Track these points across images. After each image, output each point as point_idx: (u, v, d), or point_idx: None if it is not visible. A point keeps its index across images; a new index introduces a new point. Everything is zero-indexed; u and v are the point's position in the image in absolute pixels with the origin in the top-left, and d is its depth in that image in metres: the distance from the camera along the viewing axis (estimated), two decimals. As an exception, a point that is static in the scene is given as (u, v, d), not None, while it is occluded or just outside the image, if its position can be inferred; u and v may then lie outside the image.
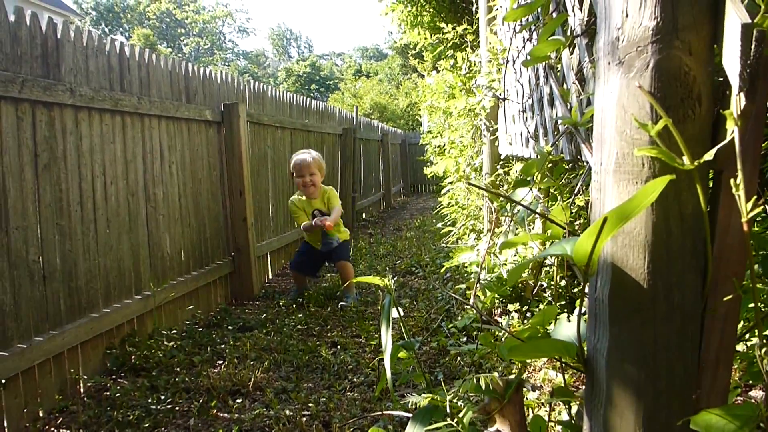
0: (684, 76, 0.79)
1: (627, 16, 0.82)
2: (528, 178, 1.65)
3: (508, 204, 1.63)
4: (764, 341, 0.77)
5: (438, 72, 5.84)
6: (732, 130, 0.73)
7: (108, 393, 2.97)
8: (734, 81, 0.72)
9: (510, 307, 3.41)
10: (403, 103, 22.80)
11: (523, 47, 2.62)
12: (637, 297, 0.85)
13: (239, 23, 70.79)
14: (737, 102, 0.73)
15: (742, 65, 0.70)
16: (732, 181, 0.71)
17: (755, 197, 0.74)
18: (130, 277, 3.65)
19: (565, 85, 1.99)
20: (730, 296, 0.82)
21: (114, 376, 3.23)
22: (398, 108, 22.78)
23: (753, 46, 0.69)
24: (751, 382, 2.14)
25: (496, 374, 1.19)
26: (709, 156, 0.75)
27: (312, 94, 47.02)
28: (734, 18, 0.71)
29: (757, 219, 1.76)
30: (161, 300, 3.87)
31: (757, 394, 2.28)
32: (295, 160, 4.83)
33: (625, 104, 0.83)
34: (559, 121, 1.78)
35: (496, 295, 3.42)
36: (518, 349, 0.98)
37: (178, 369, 3.29)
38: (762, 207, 0.68)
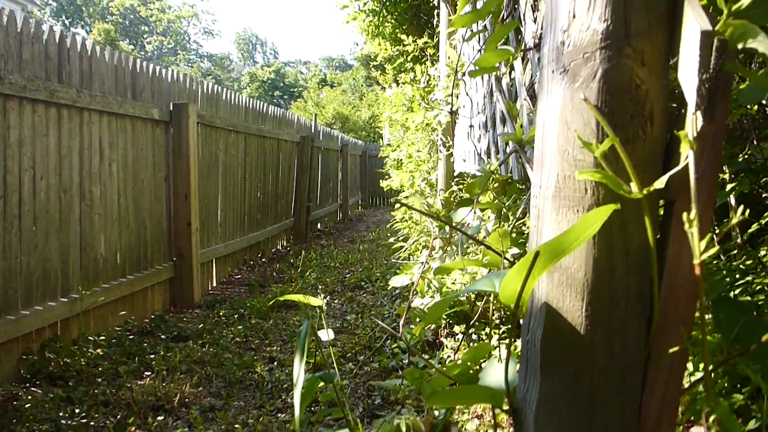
0: (635, 89, 0.68)
1: (574, 16, 0.70)
2: (473, 198, 1.54)
3: (447, 226, 1.52)
4: (712, 401, 0.67)
5: (398, 84, 5.75)
6: (686, 155, 0.62)
7: (16, 403, 2.72)
8: (691, 97, 0.61)
9: (456, 328, 3.30)
10: (366, 115, 22.73)
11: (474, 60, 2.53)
12: (572, 344, 0.73)
13: (205, 24, 69.82)
14: (693, 122, 0.62)
15: (701, 79, 0.59)
16: (685, 215, 0.60)
17: (710, 235, 0.63)
18: (57, 278, 3.41)
19: (518, 102, 1.90)
20: (676, 348, 0.71)
21: (27, 385, 2.99)
22: (360, 119, 22.69)
23: (713, 57, 0.59)
24: (693, 418, 2.07)
25: (417, 417, 1.06)
26: (660, 184, 0.64)
27: (275, 101, 46.62)
28: (693, 24, 0.61)
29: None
30: (90, 304, 3.63)
31: (698, 430, 2.21)
32: None
33: (569, 119, 0.72)
34: (500, 137, 1.68)
35: (444, 316, 3.31)
36: (439, 396, 0.85)
37: (99, 379, 3.07)
38: (717, 248, 0.57)
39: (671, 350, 0.71)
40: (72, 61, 3.57)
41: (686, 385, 0.81)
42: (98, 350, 3.44)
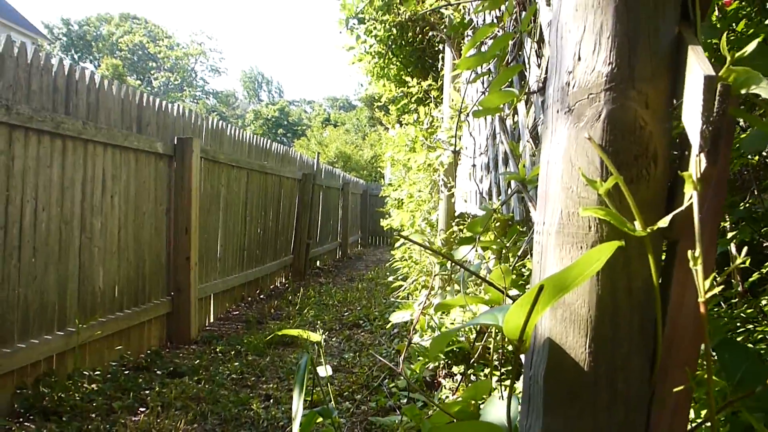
0: (639, 130, 0.70)
1: (579, 59, 0.73)
2: (474, 236, 1.55)
3: (449, 263, 1.53)
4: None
5: (402, 125, 5.83)
6: (690, 196, 0.64)
7: (8, 439, 2.68)
8: (694, 140, 0.63)
9: (455, 369, 3.27)
10: (368, 154, 22.94)
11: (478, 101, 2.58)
12: (575, 381, 0.73)
13: (212, 62, 70.98)
14: (697, 164, 0.64)
15: (704, 122, 0.61)
16: (690, 253, 0.61)
17: (713, 274, 0.64)
18: (54, 311, 3.38)
19: (521, 144, 1.92)
20: (680, 387, 0.71)
21: (21, 420, 2.93)
22: (362, 159, 22.90)
23: (717, 102, 0.61)
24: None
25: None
26: (663, 223, 0.65)
27: (279, 138, 47.08)
28: (697, 69, 0.63)
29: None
30: (86, 338, 3.59)
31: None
32: None
33: (573, 157, 0.73)
34: (502, 178, 1.70)
35: (442, 356, 3.28)
36: (439, 432, 0.85)
37: (93, 415, 3.03)
38: (720, 287, 0.58)
39: (675, 389, 0.71)
40: (80, 94, 3.62)
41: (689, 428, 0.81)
42: (93, 385, 3.39)
